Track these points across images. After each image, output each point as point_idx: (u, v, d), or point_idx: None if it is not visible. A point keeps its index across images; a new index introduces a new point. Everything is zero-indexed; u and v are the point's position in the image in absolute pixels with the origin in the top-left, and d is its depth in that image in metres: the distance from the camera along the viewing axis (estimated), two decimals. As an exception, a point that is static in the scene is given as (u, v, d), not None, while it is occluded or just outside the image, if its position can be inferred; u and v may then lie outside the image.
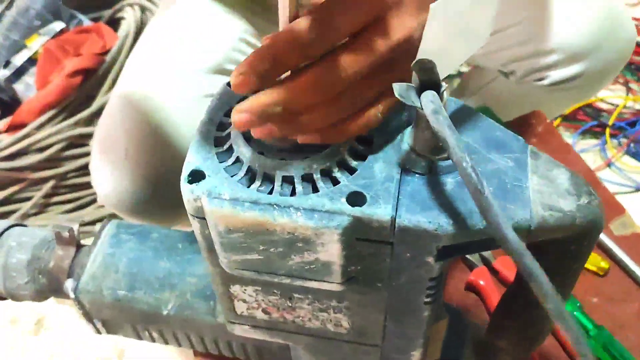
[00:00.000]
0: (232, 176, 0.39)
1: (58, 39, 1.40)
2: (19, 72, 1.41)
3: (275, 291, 0.46)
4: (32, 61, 1.41)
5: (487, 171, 0.39)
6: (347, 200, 0.37)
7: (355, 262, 0.40)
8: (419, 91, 0.35)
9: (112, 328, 0.62)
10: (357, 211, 0.36)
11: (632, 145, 1.38)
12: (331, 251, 0.38)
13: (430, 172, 0.38)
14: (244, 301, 0.48)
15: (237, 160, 0.40)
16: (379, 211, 0.36)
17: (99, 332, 0.63)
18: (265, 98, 0.36)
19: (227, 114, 0.43)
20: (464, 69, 1.33)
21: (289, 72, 0.37)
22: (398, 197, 0.37)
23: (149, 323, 0.59)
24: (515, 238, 0.31)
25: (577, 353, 0.31)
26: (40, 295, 0.60)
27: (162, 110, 0.73)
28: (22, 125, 1.31)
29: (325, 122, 0.38)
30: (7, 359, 1.15)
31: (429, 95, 0.35)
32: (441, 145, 0.37)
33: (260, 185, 0.38)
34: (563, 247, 0.42)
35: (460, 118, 0.42)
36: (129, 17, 1.42)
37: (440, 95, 0.35)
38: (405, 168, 0.39)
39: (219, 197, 0.38)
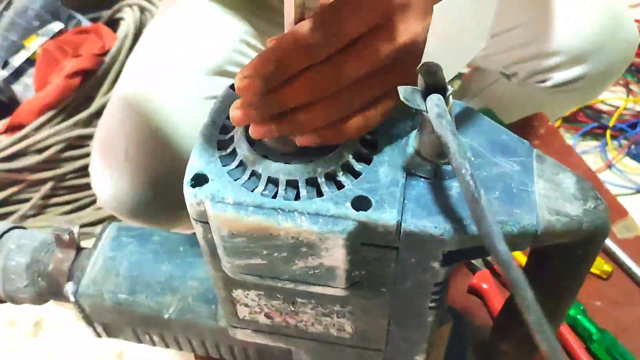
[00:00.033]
0: (235, 180, 0.38)
1: (57, 40, 1.39)
2: (18, 73, 1.41)
3: (278, 296, 0.45)
4: (30, 62, 1.41)
5: (493, 175, 0.39)
6: (352, 205, 0.36)
7: (359, 267, 0.39)
8: (425, 94, 0.35)
9: (113, 331, 0.61)
10: (362, 216, 0.36)
11: (632, 147, 1.38)
12: (336, 256, 0.38)
13: (436, 176, 0.38)
14: (246, 305, 0.48)
15: (241, 163, 0.39)
16: (384, 216, 0.36)
17: (99, 335, 0.62)
18: (264, 92, 0.36)
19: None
20: (464, 70, 1.32)
21: None
22: (403, 201, 0.37)
23: (150, 327, 0.58)
24: (504, 249, 0.31)
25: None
26: (40, 298, 0.60)
27: (162, 112, 0.73)
28: (21, 126, 1.30)
29: (323, 121, 0.37)
30: (6, 361, 1.15)
31: (434, 98, 0.34)
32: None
33: (264, 189, 0.38)
34: (569, 252, 0.42)
35: (465, 121, 0.41)
36: (128, 18, 1.41)
37: (446, 98, 0.35)
38: (411, 172, 0.38)
39: (222, 201, 0.37)
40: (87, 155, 1.32)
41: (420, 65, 0.34)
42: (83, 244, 0.60)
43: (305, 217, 0.36)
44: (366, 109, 0.39)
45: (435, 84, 0.35)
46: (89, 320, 0.60)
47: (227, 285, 0.46)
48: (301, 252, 0.38)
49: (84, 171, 1.33)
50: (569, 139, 1.42)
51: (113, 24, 1.48)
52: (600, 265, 0.73)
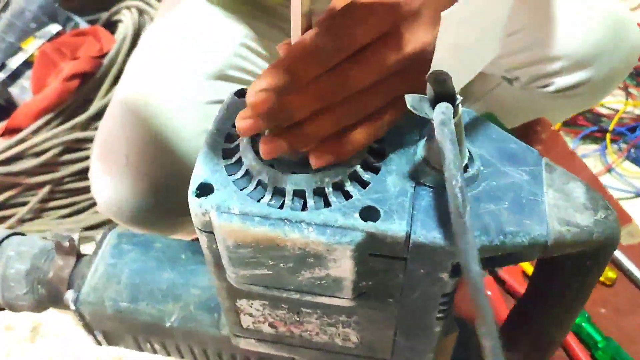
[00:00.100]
0: (241, 190, 0.38)
1: (54, 42, 1.39)
2: (15, 75, 1.40)
3: (283, 305, 0.45)
4: (27, 64, 1.40)
5: (502, 185, 0.38)
6: (360, 216, 0.36)
7: (367, 278, 0.39)
8: (434, 103, 0.34)
9: (113, 339, 0.61)
10: (370, 227, 0.35)
11: (632, 150, 1.38)
12: (343, 267, 0.37)
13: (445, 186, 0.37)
14: (251, 315, 0.47)
15: (247, 173, 0.39)
16: (393, 227, 0.35)
17: (99, 343, 0.62)
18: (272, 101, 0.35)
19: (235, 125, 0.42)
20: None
21: None
22: (412, 212, 0.36)
23: (151, 335, 0.57)
24: (477, 271, 0.30)
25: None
26: (39, 306, 0.59)
27: (163, 116, 0.72)
28: (18, 130, 1.29)
29: (331, 129, 0.37)
30: (3, 367, 1.14)
31: (442, 106, 0.34)
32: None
33: (271, 199, 0.37)
34: (578, 262, 0.41)
35: (474, 130, 0.41)
36: (127, 20, 1.41)
37: (455, 107, 0.34)
38: (419, 181, 0.38)
39: (228, 211, 0.37)
40: (85, 158, 1.31)
41: (429, 73, 0.33)
42: (82, 248, 0.59)
43: (312, 228, 0.36)
44: (373, 116, 0.38)
45: (444, 93, 0.34)
46: (89, 328, 0.59)
47: (231, 295, 0.45)
48: (308, 263, 0.37)
49: (82, 174, 1.32)
50: (569, 142, 1.42)
51: (111, 26, 1.47)
52: (605, 272, 0.73)
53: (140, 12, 1.44)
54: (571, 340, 0.67)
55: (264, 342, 0.50)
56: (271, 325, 0.48)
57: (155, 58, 0.80)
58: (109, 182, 0.74)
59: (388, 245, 0.36)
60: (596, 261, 0.41)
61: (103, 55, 1.33)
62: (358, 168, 0.38)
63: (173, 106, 0.74)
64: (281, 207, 0.37)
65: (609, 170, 1.37)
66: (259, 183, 0.38)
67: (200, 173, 0.39)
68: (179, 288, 0.55)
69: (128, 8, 1.45)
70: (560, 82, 0.80)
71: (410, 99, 0.34)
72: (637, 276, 0.73)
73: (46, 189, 1.31)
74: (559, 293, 0.45)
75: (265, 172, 0.38)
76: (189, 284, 0.56)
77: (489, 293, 0.70)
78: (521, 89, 0.85)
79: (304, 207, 0.37)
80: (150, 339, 0.58)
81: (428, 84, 0.34)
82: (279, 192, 0.38)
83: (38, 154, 1.29)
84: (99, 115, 1.31)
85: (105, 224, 1.32)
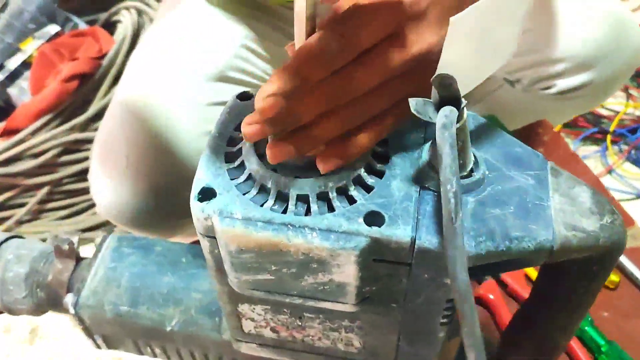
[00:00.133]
0: (244, 194, 0.37)
1: (53, 43, 1.38)
2: (13, 76, 1.39)
3: (285, 310, 0.44)
4: (26, 65, 1.39)
5: (507, 189, 0.38)
6: (364, 221, 0.35)
7: (370, 283, 0.39)
8: (438, 107, 0.34)
9: (113, 343, 0.60)
10: (375, 232, 0.35)
11: (633, 152, 1.38)
12: (347, 272, 0.37)
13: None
14: (252, 320, 0.47)
15: (249, 177, 0.38)
16: (398, 232, 0.35)
17: (99, 347, 0.61)
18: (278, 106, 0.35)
19: (238, 129, 0.42)
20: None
21: None
22: (417, 217, 0.36)
23: (152, 339, 0.57)
24: (464, 279, 0.30)
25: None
26: (38, 309, 0.59)
27: (163, 118, 0.72)
28: (17, 131, 1.28)
29: (336, 132, 0.37)
30: (2, 369, 1.14)
31: (446, 110, 0.34)
32: (461, 162, 0.37)
33: (274, 204, 0.37)
34: (584, 267, 0.41)
35: (479, 134, 0.40)
36: (126, 21, 1.40)
37: (460, 111, 0.34)
38: (424, 186, 0.37)
39: (230, 216, 0.36)
40: (84, 159, 1.31)
41: (434, 76, 0.33)
42: (81, 249, 0.59)
43: (316, 233, 0.35)
44: (378, 117, 0.38)
45: (449, 97, 0.34)
46: (88, 332, 0.59)
47: (233, 300, 0.45)
48: (311, 268, 0.37)
49: (80, 176, 1.31)
50: (570, 143, 1.42)
51: (110, 26, 1.46)
52: (607, 275, 0.72)
53: (139, 12, 1.43)
54: (574, 344, 0.66)
55: (265, 346, 0.50)
56: (273, 329, 0.47)
57: (155, 59, 0.79)
58: (109, 185, 0.73)
59: (393, 251, 0.35)
60: (602, 266, 0.41)
61: (102, 56, 1.32)
62: (362, 172, 0.38)
63: (173, 108, 0.73)
64: (284, 212, 0.36)
65: (610, 171, 1.37)
66: (262, 187, 0.38)
67: (203, 177, 0.38)
68: (179, 292, 0.55)
69: (127, 9, 1.44)
70: (563, 84, 0.80)
71: (414, 103, 0.34)
72: (639, 279, 0.72)
73: (45, 190, 1.31)
74: (564, 298, 0.45)
75: (268, 176, 0.37)
76: (189, 287, 0.55)
77: (491, 297, 0.69)
78: (523, 91, 0.85)
79: (308, 212, 0.37)
80: (150, 343, 0.58)
81: (433, 87, 0.33)
82: (282, 197, 0.37)
83: (37, 155, 1.28)
84: (98, 116, 1.30)
85: (104, 225, 1.32)
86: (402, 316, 0.42)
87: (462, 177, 0.37)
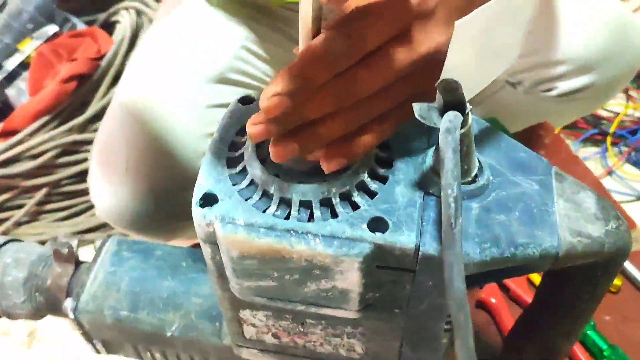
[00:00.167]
0: (246, 200, 0.37)
1: (51, 43, 1.37)
2: (11, 77, 1.39)
3: (287, 316, 0.44)
4: (24, 65, 1.39)
5: (512, 195, 0.38)
6: (368, 227, 0.35)
7: (373, 290, 0.38)
8: (443, 112, 0.34)
9: (113, 348, 0.60)
10: (379, 238, 0.34)
11: (633, 153, 1.38)
12: (350, 279, 0.36)
13: (455, 196, 0.37)
14: (254, 325, 0.46)
15: (252, 183, 0.38)
16: (402, 238, 0.34)
17: (98, 352, 0.61)
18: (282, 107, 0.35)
19: (239, 133, 0.41)
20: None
21: None
22: (421, 223, 0.35)
23: (152, 344, 0.57)
24: (461, 288, 0.30)
25: None
26: (37, 313, 0.58)
27: (163, 121, 0.71)
28: (15, 132, 1.28)
29: (340, 131, 0.36)
30: (0, 372, 1.13)
31: (450, 115, 0.33)
32: (465, 168, 0.36)
33: (276, 210, 0.36)
34: (589, 273, 0.41)
35: (483, 139, 0.40)
36: (125, 21, 1.39)
37: (465, 116, 0.34)
38: (428, 191, 0.37)
39: (232, 222, 0.36)
40: (83, 161, 1.30)
41: (439, 81, 0.32)
42: (79, 251, 0.58)
43: (319, 240, 0.35)
44: (383, 117, 0.38)
45: (454, 101, 0.33)
46: (88, 337, 0.58)
47: (234, 306, 0.44)
48: (314, 275, 0.37)
49: (79, 177, 1.31)
50: (569, 145, 1.42)
51: (109, 27, 1.46)
52: (609, 278, 0.72)
53: (138, 13, 1.42)
54: (576, 348, 0.66)
55: (267, 352, 0.49)
56: (274, 335, 0.47)
57: (155, 60, 0.79)
58: (109, 187, 0.73)
59: (396, 257, 0.35)
60: (607, 272, 0.41)
61: (101, 57, 1.32)
62: (365, 177, 0.37)
63: (173, 110, 0.73)
64: (287, 217, 0.36)
65: (610, 173, 1.37)
66: (265, 193, 0.37)
67: (204, 183, 0.38)
68: (179, 296, 0.54)
69: (126, 9, 1.44)
70: (564, 86, 0.80)
71: (418, 108, 0.34)
72: (642, 283, 0.72)
73: (43, 191, 1.30)
74: (568, 303, 0.45)
75: (270, 182, 0.37)
76: (190, 292, 0.55)
77: (493, 300, 0.69)
78: (524, 92, 0.84)
79: (311, 218, 0.36)
80: (150, 348, 0.58)
81: (438, 92, 0.33)
82: (284, 203, 0.37)
83: (35, 157, 1.28)
84: (96, 117, 1.30)
85: (103, 227, 1.31)
86: (405, 322, 0.41)
87: (467, 183, 0.37)
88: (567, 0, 0.77)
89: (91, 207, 1.33)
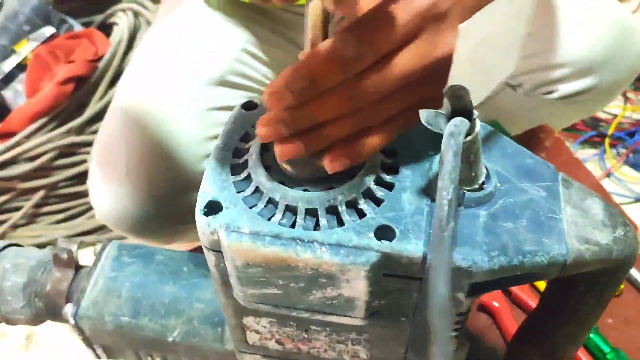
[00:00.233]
0: (251, 207, 0.37)
1: (48, 45, 1.36)
2: (8, 79, 1.38)
3: (291, 323, 0.44)
4: (21, 67, 1.38)
5: (519, 202, 0.37)
6: (375, 235, 0.35)
7: (380, 297, 0.38)
8: (450, 118, 0.33)
9: (113, 354, 0.59)
10: (386, 247, 0.34)
11: (631, 155, 1.38)
12: (356, 287, 0.36)
13: (462, 204, 0.36)
14: (257, 332, 0.46)
15: (257, 190, 0.37)
16: (409, 247, 0.34)
17: (98, 357, 0.60)
18: (294, 107, 0.35)
19: (243, 139, 0.41)
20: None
21: None
22: (429, 231, 0.35)
23: (153, 350, 0.56)
24: (443, 294, 0.29)
25: None
26: (37, 319, 0.58)
27: (164, 124, 0.71)
28: (12, 134, 1.27)
29: (347, 132, 0.36)
30: (-3, 375, 1.12)
31: (456, 120, 0.33)
32: (473, 175, 0.36)
33: (282, 218, 0.36)
34: (595, 280, 0.40)
35: (489, 144, 0.40)
36: (122, 23, 1.39)
37: (472, 122, 0.33)
38: (434, 199, 0.36)
39: (237, 230, 0.35)
40: (80, 163, 1.29)
41: (446, 87, 0.32)
42: (76, 253, 0.58)
43: (325, 248, 0.35)
44: (391, 119, 0.37)
45: (461, 108, 0.33)
46: (88, 342, 0.58)
47: (238, 313, 0.44)
48: (319, 283, 0.36)
49: (76, 179, 1.30)
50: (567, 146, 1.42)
51: (106, 28, 1.45)
52: (611, 282, 0.72)
53: (136, 14, 1.42)
54: (579, 351, 0.66)
55: (270, 358, 0.49)
56: (278, 341, 0.47)
57: (154, 63, 0.78)
58: (109, 191, 0.72)
59: (404, 266, 0.35)
60: (613, 278, 0.40)
61: (98, 59, 1.31)
62: (372, 185, 0.37)
63: (173, 113, 0.72)
64: (293, 226, 0.36)
65: (608, 175, 1.37)
66: (270, 201, 0.37)
67: (208, 190, 0.37)
68: (181, 302, 0.54)
69: (123, 10, 1.43)
70: (565, 89, 0.80)
71: (425, 114, 0.33)
72: (643, 286, 0.72)
73: (40, 193, 1.29)
74: (573, 309, 0.44)
75: (276, 189, 0.37)
76: (192, 297, 0.54)
77: (495, 304, 0.69)
78: (525, 95, 0.84)
79: (317, 226, 0.36)
80: (152, 354, 0.57)
81: (445, 98, 0.33)
82: (290, 211, 0.36)
83: (32, 159, 1.27)
84: (94, 119, 1.29)
85: (101, 229, 1.31)
86: (411, 329, 0.41)
87: (474, 190, 0.36)
88: (567, 3, 0.77)
89: (89, 209, 1.32)
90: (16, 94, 1.37)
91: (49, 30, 1.40)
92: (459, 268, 0.34)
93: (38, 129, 1.26)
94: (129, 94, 0.76)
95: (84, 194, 1.31)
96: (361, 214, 0.36)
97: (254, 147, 0.39)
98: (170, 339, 0.53)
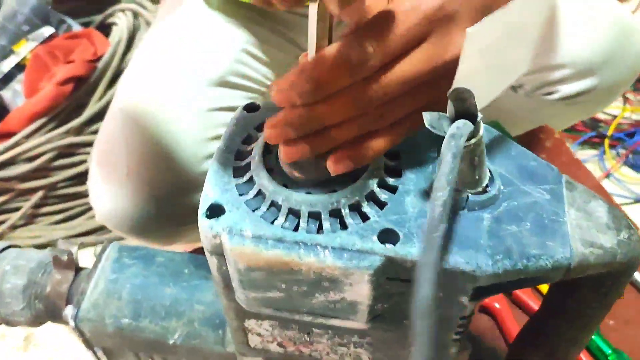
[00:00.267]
0: (253, 210, 0.36)
1: (47, 45, 1.36)
2: (7, 79, 1.37)
3: (293, 326, 0.43)
4: (20, 67, 1.37)
5: (523, 205, 0.37)
6: (378, 238, 0.34)
7: (382, 301, 0.38)
8: (454, 121, 0.33)
9: (114, 356, 0.59)
10: (390, 251, 0.34)
11: (631, 156, 1.38)
12: (359, 291, 0.36)
13: (465, 207, 0.36)
14: (259, 335, 0.46)
15: (259, 193, 0.37)
16: (413, 250, 0.34)
17: (99, 359, 0.60)
18: (302, 110, 0.34)
19: (245, 141, 0.41)
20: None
21: None
22: (432, 234, 0.35)
23: (154, 352, 0.56)
24: (427, 295, 0.29)
25: None
26: (37, 320, 0.58)
27: (164, 125, 0.71)
28: (11, 134, 1.27)
29: (353, 133, 0.36)
30: (-4, 376, 1.12)
31: (460, 122, 0.33)
32: (477, 178, 0.36)
33: (285, 221, 0.36)
34: (598, 283, 0.40)
35: (493, 147, 0.40)
36: (121, 23, 1.38)
37: (477, 125, 0.33)
38: (438, 202, 0.36)
39: (240, 234, 0.35)
40: (79, 163, 1.29)
41: (450, 90, 0.32)
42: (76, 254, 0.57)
43: (328, 252, 0.34)
44: (397, 123, 0.37)
45: (465, 111, 0.33)
46: (88, 344, 0.58)
47: (240, 316, 0.44)
48: (322, 287, 0.36)
49: (75, 180, 1.30)
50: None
51: (105, 28, 1.44)
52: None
53: (135, 15, 1.41)
54: (581, 353, 0.66)
55: (271, 361, 0.49)
56: (280, 344, 0.46)
57: (155, 64, 0.78)
58: (109, 191, 0.72)
59: (408, 270, 0.35)
60: (616, 281, 0.40)
61: (97, 59, 1.31)
62: (375, 188, 0.37)
63: (173, 114, 0.72)
64: (296, 229, 0.35)
65: (608, 175, 1.37)
66: (272, 204, 0.37)
67: (210, 193, 0.37)
68: (182, 304, 0.54)
69: (122, 11, 1.43)
70: (565, 89, 0.79)
71: (428, 117, 0.33)
72: (644, 287, 0.72)
73: (39, 194, 1.29)
74: (576, 312, 0.44)
75: (278, 192, 0.36)
76: (192, 299, 0.54)
77: (496, 305, 0.69)
78: (525, 96, 0.84)
79: (320, 229, 0.36)
80: (152, 356, 0.57)
81: (449, 101, 0.33)
82: (293, 214, 0.36)
83: (31, 159, 1.27)
84: (93, 119, 1.29)
85: (99, 230, 1.30)
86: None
87: (478, 193, 0.36)
88: (567, 3, 0.77)
89: (88, 210, 1.32)
90: (15, 94, 1.36)
91: (48, 31, 1.39)
92: (463, 272, 0.34)
93: (37, 130, 1.26)
94: (129, 94, 0.76)
95: (83, 195, 1.31)
96: (364, 217, 0.36)
97: (256, 149, 0.39)
98: (171, 341, 0.53)
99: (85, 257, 0.61)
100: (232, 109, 0.76)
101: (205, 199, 0.37)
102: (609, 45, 0.76)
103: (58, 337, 1.16)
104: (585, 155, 1.41)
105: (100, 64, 1.29)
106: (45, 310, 0.56)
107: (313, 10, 0.32)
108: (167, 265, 0.56)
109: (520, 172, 0.39)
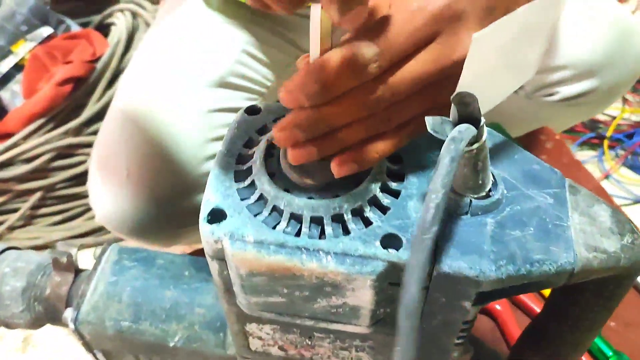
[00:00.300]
0: (255, 215, 0.36)
1: (46, 45, 1.36)
2: (5, 79, 1.37)
3: (294, 330, 0.43)
4: (18, 67, 1.37)
5: (526, 209, 0.37)
6: (381, 244, 0.34)
7: (385, 305, 0.37)
8: (457, 125, 0.33)
9: (114, 359, 0.59)
10: (393, 256, 0.34)
11: (630, 157, 1.38)
12: (362, 296, 0.35)
13: (469, 212, 0.36)
14: (260, 338, 0.46)
15: (261, 197, 0.37)
16: (416, 255, 0.34)
17: (98, 362, 0.60)
18: (310, 112, 0.34)
19: (247, 145, 0.40)
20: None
21: None
22: (436, 240, 0.35)
23: (154, 355, 0.56)
24: (414, 297, 0.29)
25: None
26: (36, 323, 0.57)
27: (164, 126, 0.70)
28: (9, 135, 1.26)
29: (359, 136, 0.36)
30: (-6, 378, 1.12)
31: (462, 126, 0.33)
32: (480, 182, 0.36)
33: (287, 226, 0.36)
34: (601, 287, 0.40)
35: (497, 151, 0.39)
36: (120, 23, 1.38)
37: (480, 130, 0.33)
38: (440, 206, 0.36)
39: (242, 239, 0.35)
40: (78, 164, 1.29)
41: (454, 95, 0.32)
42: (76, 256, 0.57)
43: (331, 257, 0.34)
44: (402, 125, 0.37)
45: (469, 116, 0.33)
46: (88, 347, 0.58)
47: (241, 320, 0.43)
48: (324, 292, 0.36)
49: (74, 181, 1.30)
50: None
51: (104, 29, 1.44)
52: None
53: (134, 15, 1.41)
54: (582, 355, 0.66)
55: (272, 365, 0.49)
56: (281, 348, 0.46)
57: (154, 64, 0.78)
58: (109, 193, 0.72)
59: (410, 275, 0.34)
60: (619, 285, 0.40)
61: (96, 59, 1.30)
62: (378, 192, 0.36)
63: (173, 115, 0.72)
64: (298, 234, 0.35)
65: (607, 176, 1.36)
66: (274, 209, 0.36)
67: (212, 198, 0.37)
68: (182, 307, 0.54)
69: (121, 11, 1.43)
70: (566, 91, 0.79)
71: (431, 121, 0.33)
72: (645, 289, 0.72)
73: (37, 195, 1.29)
74: (578, 316, 0.44)
75: (280, 197, 0.36)
76: (193, 302, 0.54)
77: (498, 307, 0.69)
78: (526, 97, 0.84)
79: (322, 235, 0.35)
80: (152, 359, 0.57)
81: (452, 105, 0.32)
82: (295, 219, 0.36)
83: (29, 160, 1.26)
84: (91, 120, 1.28)
85: (98, 231, 1.30)
86: (415, 337, 0.41)
87: (481, 198, 0.36)
88: (568, 5, 0.77)
89: (86, 211, 1.32)
90: (13, 95, 1.36)
91: (46, 31, 1.39)
92: (467, 277, 0.34)
93: (35, 130, 1.26)
94: (128, 95, 0.76)
95: (82, 196, 1.30)
96: (367, 222, 0.36)
97: (257, 153, 0.39)
98: (171, 344, 0.53)
99: (85, 259, 0.61)
100: (232, 109, 0.76)
101: (207, 204, 0.37)
102: (610, 46, 0.76)
103: (57, 338, 1.15)
104: (584, 157, 1.41)
105: (99, 65, 1.29)
106: (45, 312, 0.56)
107: (316, 10, 0.32)
108: (168, 268, 0.56)
109: (524, 177, 0.39)
